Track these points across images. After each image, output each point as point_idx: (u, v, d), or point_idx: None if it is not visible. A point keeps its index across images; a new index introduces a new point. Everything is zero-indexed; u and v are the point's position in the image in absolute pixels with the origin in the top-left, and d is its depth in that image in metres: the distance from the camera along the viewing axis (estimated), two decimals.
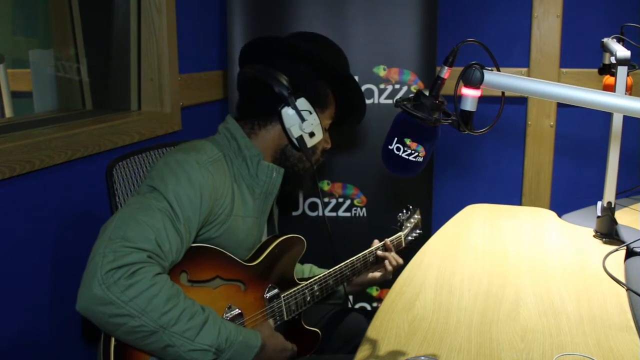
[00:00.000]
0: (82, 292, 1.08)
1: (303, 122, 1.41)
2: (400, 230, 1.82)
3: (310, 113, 1.42)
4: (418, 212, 1.91)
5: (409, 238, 1.84)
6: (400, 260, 1.69)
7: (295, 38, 1.54)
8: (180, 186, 1.22)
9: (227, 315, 1.29)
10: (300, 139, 1.42)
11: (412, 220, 1.87)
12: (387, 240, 1.70)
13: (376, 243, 1.71)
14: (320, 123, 1.44)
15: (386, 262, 1.67)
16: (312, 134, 1.43)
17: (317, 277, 1.52)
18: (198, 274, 1.26)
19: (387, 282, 1.64)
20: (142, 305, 1.07)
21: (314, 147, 1.47)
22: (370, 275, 1.70)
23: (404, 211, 1.86)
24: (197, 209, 1.23)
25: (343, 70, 1.50)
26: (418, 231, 1.89)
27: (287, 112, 1.40)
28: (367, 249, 1.70)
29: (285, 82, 1.39)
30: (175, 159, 1.27)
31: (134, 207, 1.18)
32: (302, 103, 1.41)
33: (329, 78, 1.47)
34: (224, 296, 1.30)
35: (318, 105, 1.45)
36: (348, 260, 1.62)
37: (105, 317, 1.07)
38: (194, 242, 1.27)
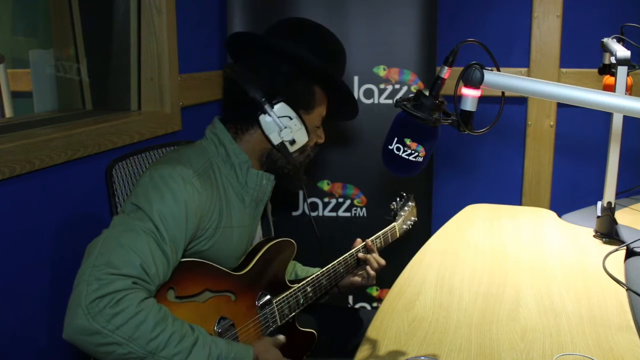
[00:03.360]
0: (67, 322, 1.06)
1: (282, 129, 1.34)
2: (394, 220, 1.75)
3: (291, 118, 1.34)
4: (412, 198, 1.83)
5: (404, 227, 1.78)
6: (382, 262, 1.61)
7: (277, 33, 1.42)
8: (165, 205, 1.17)
9: (218, 327, 1.26)
10: (281, 145, 1.35)
11: (406, 208, 1.80)
12: (369, 240, 1.62)
13: (359, 242, 1.63)
14: (305, 125, 1.37)
15: (367, 266, 1.59)
16: (292, 142, 1.36)
17: (309, 279, 1.49)
18: (185, 289, 1.22)
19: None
20: (129, 333, 1.05)
21: (302, 147, 1.40)
22: (352, 279, 1.63)
23: (397, 199, 1.79)
24: (182, 227, 1.19)
25: (328, 71, 1.39)
26: (413, 219, 1.82)
27: (265, 119, 1.33)
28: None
29: (260, 88, 1.31)
30: (159, 174, 1.21)
31: (119, 230, 1.14)
32: (281, 109, 1.33)
33: (314, 76, 1.38)
34: (214, 308, 1.26)
35: (302, 107, 1.36)
36: (332, 263, 1.56)
37: (93, 347, 1.06)
38: (181, 257, 1.23)
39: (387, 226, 1.74)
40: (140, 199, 1.18)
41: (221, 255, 1.32)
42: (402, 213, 1.80)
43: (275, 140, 1.35)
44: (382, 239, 1.69)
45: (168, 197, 1.18)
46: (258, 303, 1.36)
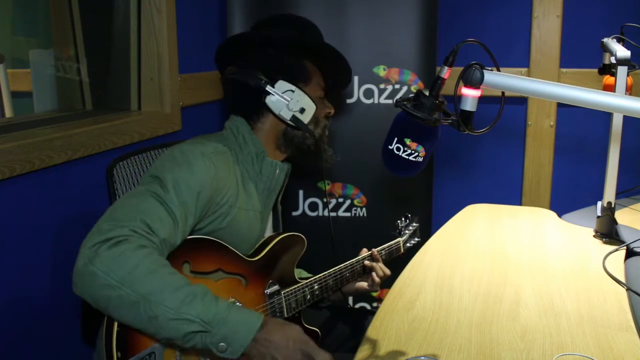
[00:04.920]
0: (73, 274, 1.09)
1: (289, 102, 1.43)
2: (399, 236, 1.82)
3: (293, 91, 1.43)
4: (417, 219, 1.91)
5: (407, 245, 1.84)
6: (388, 271, 1.66)
7: (258, 28, 1.56)
8: (180, 173, 1.23)
9: None
10: (294, 118, 1.44)
11: (410, 227, 1.87)
12: (374, 250, 1.67)
13: (364, 252, 1.68)
14: (308, 95, 1.46)
15: (373, 273, 1.64)
16: (302, 110, 1.44)
17: (317, 277, 1.53)
18: (200, 266, 1.26)
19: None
20: (122, 275, 1.06)
21: (315, 118, 1.48)
22: (357, 285, 1.67)
23: (403, 219, 1.87)
24: (194, 194, 1.23)
25: (306, 39, 1.51)
26: (416, 239, 1.88)
27: (271, 100, 1.43)
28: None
29: (257, 74, 1.42)
30: (180, 149, 1.30)
31: (128, 194, 1.21)
32: (281, 85, 1.43)
33: (299, 52, 1.48)
34: (225, 289, 1.30)
35: (299, 80, 1.46)
36: (339, 266, 1.59)
37: (94, 293, 1.07)
38: (198, 234, 1.28)
39: (392, 240, 1.78)
40: (158, 169, 1.25)
41: (236, 238, 1.36)
42: (407, 231, 1.86)
43: (287, 115, 1.44)
44: (386, 252, 1.73)
45: (184, 167, 1.25)
46: (267, 291, 1.40)
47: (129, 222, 1.12)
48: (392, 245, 1.76)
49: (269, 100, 1.43)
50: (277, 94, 1.42)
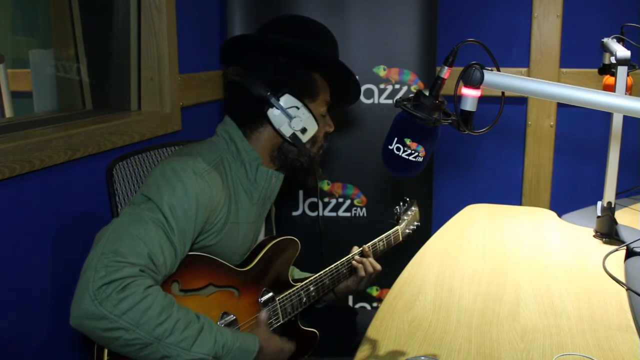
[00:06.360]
0: (74, 308, 1.07)
1: (292, 119, 1.35)
2: (397, 224, 1.78)
3: (298, 108, 1.36)
4: (415, 204, 1.86)
5: (407, 231, 1.80)
6: (378, 267, 1.61)
7: (270, 29, 1.46)
8: (175, 197, 1.19)
9: (221, 322, 1.27)
10: (294, 136, 1.37)
11: (409, 212, 1.82)
12: (365, 246, 1.63)
13: (355, 249, 1.64)
14: (312, 113, 1.38)
15: (360, 268, 1.58)
16: (304, 130, 1.37)
17: (312, 278, 1.50)
18: (190, 283, 1.23)
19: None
20: (136, 318, 1.06)
21: (314, 137, 1.42)
22: (349, 283, 1.61)
23: (401, 204, 1.82)
24: (192, 220, 1.20)
25: (324, 55, 1.42)
26: (416, 223, 1.84)
27: (273, 113, 1.35)
28: None
29: (263, 84, 1.34)
30: (171, 168, 1.23)
31: (128, 219, 1.15)
32: (287, 100, 1.35)
33: (311, 64, 1.40)
34: (217, 303, 1.28)
35: (306, 95, 1.38)
36: (335, 264, 1.56)
37: (99, 332, 1.06)
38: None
39: (390, 229, 1.75)
40: (152, 190, 1.20)
41: (226, 251, 1.33)
42: (405, 217, 1.82)
43: (287, 132, 1.37)
44: (384, 242, 1.70)
45: (179, 190, 1.20)
46: (261, 299, 1.37)
47: (135, 259, 1.10)
48: (389, 235, 1.72)
49: (271, 113, 1.35)
50: (281, 108, 1.34)
